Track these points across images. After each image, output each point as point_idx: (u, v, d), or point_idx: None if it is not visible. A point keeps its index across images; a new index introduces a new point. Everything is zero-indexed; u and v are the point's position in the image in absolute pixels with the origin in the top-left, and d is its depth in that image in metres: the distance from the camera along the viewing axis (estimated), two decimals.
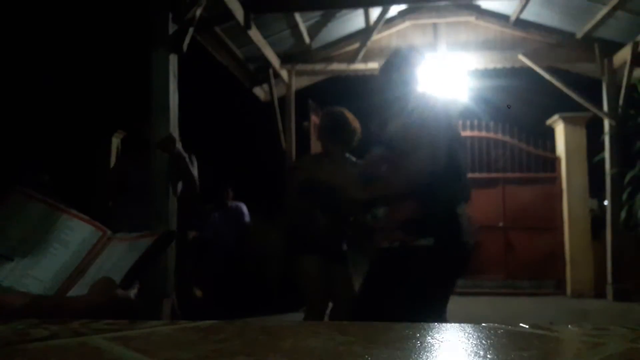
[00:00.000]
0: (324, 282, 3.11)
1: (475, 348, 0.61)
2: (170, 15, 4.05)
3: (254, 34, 6.34)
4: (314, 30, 7.45)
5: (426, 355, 0.59)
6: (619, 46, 7.21)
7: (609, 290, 7.27)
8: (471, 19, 7.69)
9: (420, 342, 0.62)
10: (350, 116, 3.28)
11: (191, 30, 4.18)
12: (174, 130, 3.98)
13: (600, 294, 7.48)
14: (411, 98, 2.16)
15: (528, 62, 7.54)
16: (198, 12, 4.25)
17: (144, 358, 0.52)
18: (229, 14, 5.52)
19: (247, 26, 5.91)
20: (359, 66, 7.86)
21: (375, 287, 2.14)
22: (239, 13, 5.65)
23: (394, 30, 7.95)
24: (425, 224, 2.02)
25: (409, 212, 2.06)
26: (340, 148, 3.25)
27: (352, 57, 7.88)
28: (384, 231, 2.14)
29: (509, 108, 8.66)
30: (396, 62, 2.29)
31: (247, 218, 6.39)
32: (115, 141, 7.40)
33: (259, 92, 8.37)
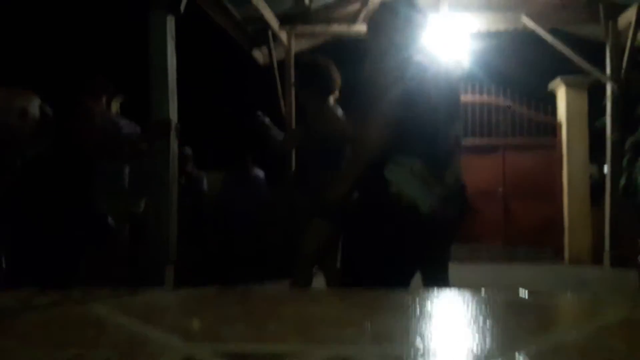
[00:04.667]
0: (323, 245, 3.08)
1: (474, 314, 0.61)
2: None
3: None
4: None
5: (425, 321, 0.59)
6: (624, 7, 7.07)
7: (607, 257, 7.31)
8: None
9: (420, 308, 0.62)
10: (324, 63, 3.15)
11: None
12: (172, 93, 3.94)
13: (597, 260, 7.52)
14: (409, 65, 2.04)
15: (531, 24, 7.40)
16: None
17: (144, 326, 0.53)
18: None
19: None
20: (360, 27, 7.72)
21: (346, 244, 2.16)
22: None
23: None
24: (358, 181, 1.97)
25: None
26: (318, 98, 3.10)
27: (353, 18, 7.72)
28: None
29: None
30: (387, 21, 2.11)
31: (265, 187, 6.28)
32: (115, 105, 7.34)
33: (258, 55, 8.25)
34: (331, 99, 3.16)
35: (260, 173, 6.23)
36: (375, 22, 2.17)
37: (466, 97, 8.51)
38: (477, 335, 0.58)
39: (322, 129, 3.03)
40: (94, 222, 2.92)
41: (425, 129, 1.91)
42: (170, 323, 0.55)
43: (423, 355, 0.51)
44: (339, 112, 3.14)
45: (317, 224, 2.96)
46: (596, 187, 8.14)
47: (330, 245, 3.10)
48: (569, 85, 8.08)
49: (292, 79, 3.13)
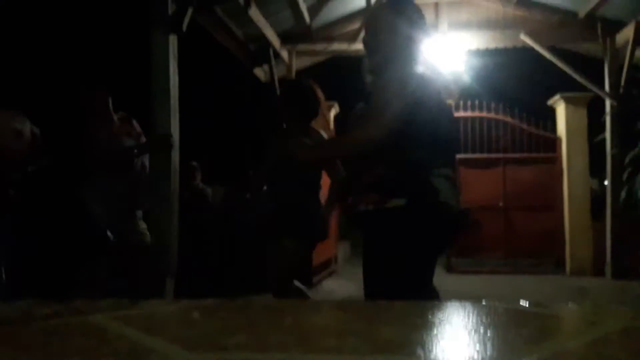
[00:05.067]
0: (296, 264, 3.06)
1: (475, 325, 0.61)
2: None
3: (254, 13, 6.28)
4: (314, 10, 7.38)
5: (427, 332, 0.59)
6: (622, 25, 7.14)
7: (608, 268, 7.32)
8: None
9: (421, 320, 0.62)
10: (313, 86, 3.16)
11: (190, 10, 4.14)
12: (174, 112, 3.97)
13: (599, 272, 7.54)
14: (409, 61, 2.03)
15: (530, 42, 7.47)
16: None
17: (146, 336, 0.53)
18: None
19: (247, 6, 5.85)
20: (360, 46, 7.79)
21: (367, 254, 2.04)
22: None
23: None
24: (397, 185, 1.91)
25: (379, 173, 1.95)
26: (298, 119, 3.11)
27: (353, 37, 7.81)
28: (357, 194, 2.04)
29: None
30: (384, 20, 2.10)
31: None
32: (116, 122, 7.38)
33: (260, 72, 8.32)
34: (313, 121, 3.18)
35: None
36: (376, 18, 2.16)
37: (466, 113, 8.57)
38: (478, 344, 0.58)
39: (299, 148, 3.03)
40: (93, 234, 2.93)
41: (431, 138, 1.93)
42: (172, 333, 0.55)
43: None
44: (322, 134, 3.15)
45: (287, 244, 2.96)
46: (597, 200, 8.17)
47: (302, 263, 3.08)
48: (568, 101, 8.15)
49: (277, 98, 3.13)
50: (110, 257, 3.22)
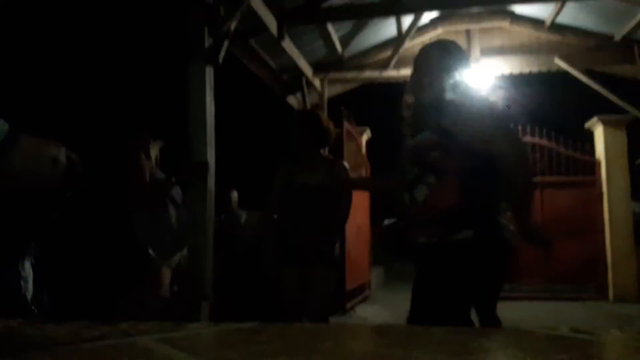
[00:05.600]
0: (299, 292, 3.11)
1: (515, 351, 0.61)
2: (206, 29, 4.14)
3: (287, 45, 6.41)
4: (346, 40, 7.48)
5: (466, 358, 0.59)
6: None
7: None
8: (505, 24, 7.59)
9: (460, 346, 0.62)
10: (322, 116, 3.29)
11: (226, 43, 4.25)
12: (210, 140, 4.06)
13: None
14: (466, 91, 2.11)
15: (565, 66, 7.39)
16: (233, 25, 4.33)
17: (191, 358, 0.55)
18: (262, 26, 5.60)
19: (281, 37, 5.98)
20: (391, 73, 7.84)
21: (422, 286, 2.05)
22: (272, 25, 5.72)
23: (426, 37, 7.91)
24: (465, 217, 1.92)
25: (449, 203, 1.95)
26: (312, 147, 3.22)
27: (384, 65, 7.87)
28: (419, 226, 2.05)
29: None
30: (438, 58, 2.20)
31: None
32: (154, 151, 7.59)
33: (293, 101, 8.45)
34: (325, 150, 3.27)
35: None
36: (426, 58, 2.23)
37: None
38: None
39: (311, 177, 3.10)
40: (136, 257, 3.01)
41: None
42: (215, 355, 0.57)
43: None
44: (338, 163, 3.24)
45: (287, 273, 3.02)
46: (639, 224, 7.92)
47: (304, 290, 3.11)
48: (606, 124, 7.99)
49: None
50: (153, 279, 3.31)
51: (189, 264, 3.79)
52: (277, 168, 3.34)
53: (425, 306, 2.00)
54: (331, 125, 3.28)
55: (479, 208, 1.95)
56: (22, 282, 2.34)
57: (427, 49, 2.27)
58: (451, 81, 2.12)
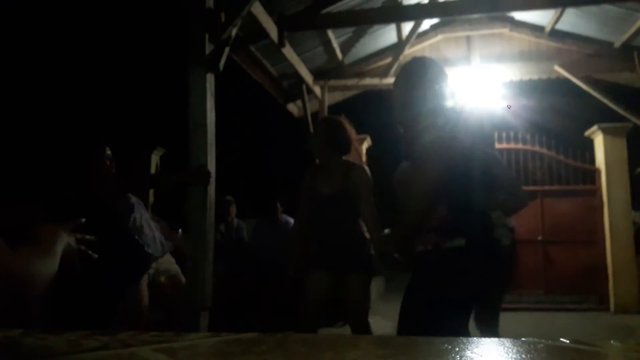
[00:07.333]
0: (326, 299, 3.13)
1: None
2: (207, 36, 4.15)
3: (288, 51, 6.43)
4: (346, 47, 7.51)
5: None
6: None
7: None
8: (505, 30, 7.62)
9: (460, 356, 0.62)
10: (343, 122, 3.29)
11: (227, 49, 4.26)
12: (211, 146, 4.06)
13: None
14: (441, 112, 2.15)
15: (564, 73, 7.41)
16: (234, 32, 4.34)
17: None
18: (263, 33, 5.62)
19: (281, 44, 6.00)
20: (391, 80, 7.86)
21: (414, 292, 2.14)
22: (273, 32, 5.75)
23: (426, 43, 7.94)
24: (457, 226, 2.04)
25: (441, 216, 2.07)
26: (335, 155, 3.23)
27: (384, 72, 7.89)
28: (418, 235, 2.16)
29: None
30: (414, 76, 2.27)
31: None
32: (155, 158, 7.59)
33: (293, 108, 8.46)
34: (344, 156, 3.28)
35: (289, 219, 6.33)
36: (407, 75, 2.29)
37: (502, 145, 8.48)
38: None
39: (327, 184, 3.12)
40: (135, 255, 3.03)
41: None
42: None
43: None
44: (355, 167, 3.21)
45: (315, 278, 3.05)
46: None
47: (331, 297, 3.13)
48: (606, 132, 7.98)
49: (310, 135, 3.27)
50: (152, 289, 3.30)
51: (188, 274, 3.79)
52: (301, 178, 3.36)
53: (416, 313, 2.06)
54: (352, 131, 3.28)
55: (468, 218, 2.05)
56: None
57: (405, 66, 2.36)
58: (429, 106, 2.18)
